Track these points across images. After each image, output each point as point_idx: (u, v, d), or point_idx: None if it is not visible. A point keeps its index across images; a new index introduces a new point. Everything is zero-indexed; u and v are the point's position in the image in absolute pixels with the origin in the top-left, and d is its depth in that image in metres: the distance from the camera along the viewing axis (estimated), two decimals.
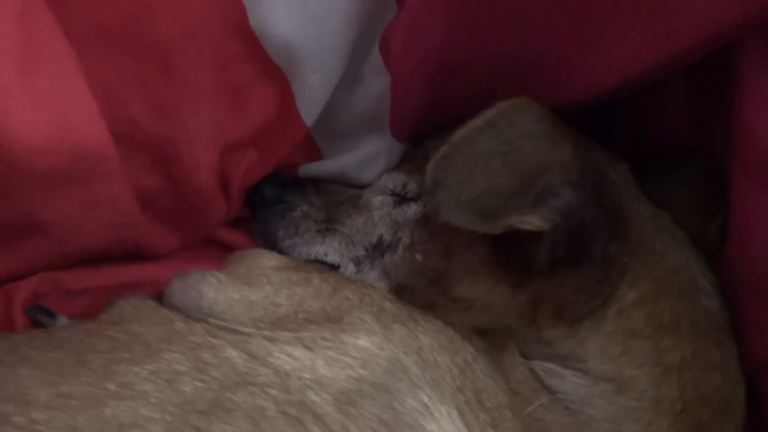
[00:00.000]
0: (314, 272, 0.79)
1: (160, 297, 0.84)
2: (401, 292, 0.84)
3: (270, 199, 0.95)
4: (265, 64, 0.83)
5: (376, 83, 0.86)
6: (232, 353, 0.68)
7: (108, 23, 0.77)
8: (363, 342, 0.70)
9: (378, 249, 0.87)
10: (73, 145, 0.75)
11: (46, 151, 0.73)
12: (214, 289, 0.76)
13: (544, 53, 0.78)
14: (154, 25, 0.77)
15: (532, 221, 0.68)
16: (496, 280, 0.78)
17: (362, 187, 0.95)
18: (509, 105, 0.72)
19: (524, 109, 0.72)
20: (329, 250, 0.91)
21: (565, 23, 0.75)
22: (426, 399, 0.67)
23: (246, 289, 0.76)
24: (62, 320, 0.86)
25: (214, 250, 0.97)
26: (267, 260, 0.81)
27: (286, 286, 0.77)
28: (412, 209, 0.87)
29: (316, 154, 0.95)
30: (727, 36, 0.71)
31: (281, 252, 0.93)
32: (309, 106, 0.86)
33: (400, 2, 0.80)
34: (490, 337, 0.78)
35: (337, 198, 0.95)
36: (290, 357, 0.68)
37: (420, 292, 0.83)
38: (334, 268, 0.90)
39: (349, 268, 0.90)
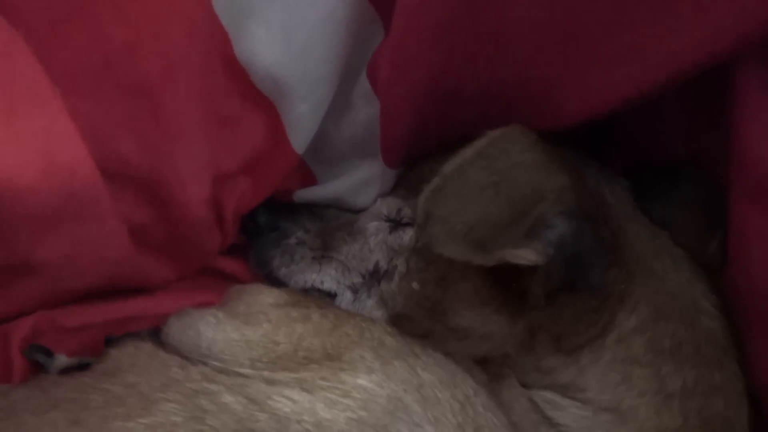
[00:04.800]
0: (314, 308, 0.78)
1: (158, 330, 0.84)
2: (399, 320, 0.83)
3: (265, 227, 0.94)
4: (252, 95, 0.82)
5: (365, 110, 0.85)
6: (229, 398, 0.68)
7: (91, 62, 0.76)
8: (363, 381, 0.69)
9: (374, 276, 0.87)
10: (63, 184, 0.74)
11: (35, 192, 0.72)
12: (213, 328, 0.75)
13: (532, 79, 0.77)
14: (137, 62, 0.76)
15: (526, 255, 0.67)
16: (494, 310, 0.77)
17: (358, 211, 0.94)
18: (500, 134, 0.71)
19: (515, 138, 0.71)
20: (325, 277, 0.90)
21: (553, 50, 0.73)
22: None
23: (244, 327, 0.75)
24: (60, 358, 0.85)
25: (211, 279, 0.97)
26: (266, 297, 0.80)
27: (285, 323, 0.76)
28: (408, 235, 0.86)
29: (311, 180, 0.94)
30: (721, 57, 0.70)
31: (277, 280, 0.93)
32: (299, 135, 0.85)
33: (387, 27, 0.79)
34: (489, 367, 0.78)
35: (333, 224, 0.94)
36: (289, 400, 0.67)
37: (418, 321, 0.82)
38: (330, 295, 0.90)
39: (346, 296, 0.89)
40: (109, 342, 0.82)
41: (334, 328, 0.75)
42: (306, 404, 0.67)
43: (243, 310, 0.79)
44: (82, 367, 0.80)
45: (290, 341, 0.74)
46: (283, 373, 0.71)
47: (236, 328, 0.76)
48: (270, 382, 0.70)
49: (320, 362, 0.72)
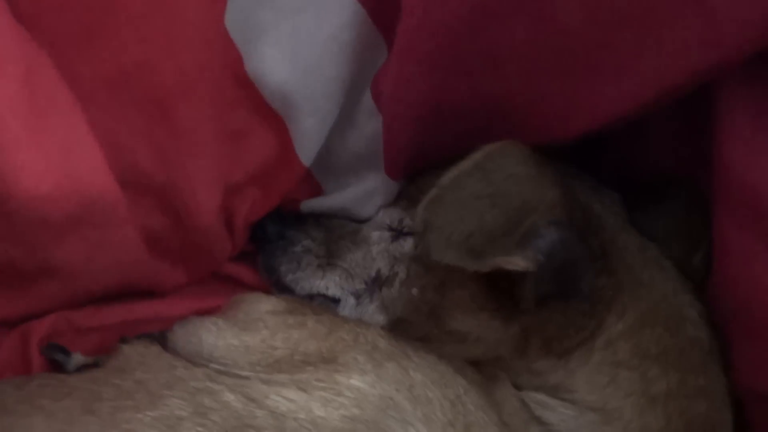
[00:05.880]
0: (310, 315, 0.82)
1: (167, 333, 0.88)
2: (399, 324, 0.87)
3: (273, 235, 0.98)
4: (262, 109, 0.86)
5: (369, 125, 0.89)
6: (230, 397, 0.72)
7: (110, 76, 0.80)
8: (355, 381, 0.73)
9: (376, 283, 0.90)
10: (82, 192, 0.79)
11: (55, 199, 0.77)
12: (213, 335, 0.80)
13: (527, 97, 0.81)
14: (154, 77, 0.81)
15: (516, 262, 0.71)
16: (488, 314, 0.81)
17: (362, 221, 0.98)
18: (495, 148, 0.75)
19: (510, 152, 0.75)
20: (330, 284, 0.94)
21: (544, 70, 0.77)
22: None
23: (243, 334, 0.80)
24: (77, 357, 0.89)
25: (221, 285, 1.01)
26: (263, 305, 0.84)
27: (282, 329, 0.80)
28: (409, 244, 0.90)
29: (317, 190, 0.98)
30: (702, 78, 0.73)
31: (284, 286, 0.97)
32: (306, 148, 0.89)
33: (390, 47, 0.83)
34: (483, 368, 0.81)
35: (337, 233, 0.97)
36: (286, 399, 0.72)
37: (417, 325, 0.85)
38: (335, 301, 0.94)
39: (350, 302, 0.92)
40: (124, 342, 0.87)
41: (330, 333, 0.79)
42: (302, 402, 0.71)
43: (242, 317, 0.83)
44: (96, 366, 0.85)
45: (287, 346, 0.79)
46: (280, 375, 0.75)
47: (235, 335, 0.80)
48: (268, 382, 0.74)
49: (316, 365, 0.76)
